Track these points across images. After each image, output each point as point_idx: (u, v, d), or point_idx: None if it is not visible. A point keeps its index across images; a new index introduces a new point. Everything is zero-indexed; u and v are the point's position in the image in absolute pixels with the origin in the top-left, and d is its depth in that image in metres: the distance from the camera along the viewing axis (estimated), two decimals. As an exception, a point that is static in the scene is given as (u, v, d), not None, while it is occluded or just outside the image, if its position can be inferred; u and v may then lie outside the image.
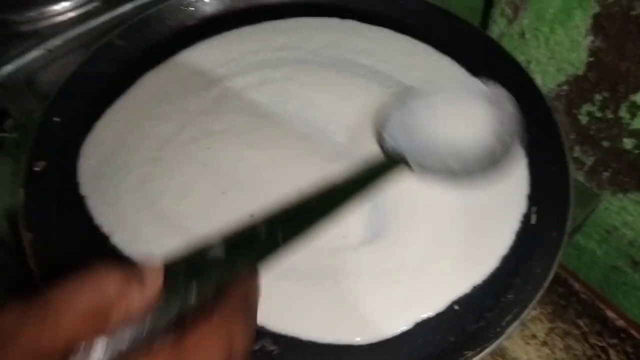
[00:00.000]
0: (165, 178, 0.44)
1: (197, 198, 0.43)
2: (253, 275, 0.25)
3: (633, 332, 0.55)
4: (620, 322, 0.55)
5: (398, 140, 0.42)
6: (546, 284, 0.37)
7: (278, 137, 0.47)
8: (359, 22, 0.56)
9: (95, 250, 0.40)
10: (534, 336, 0.55)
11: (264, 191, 0.43)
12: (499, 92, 0.44)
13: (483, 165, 0.41)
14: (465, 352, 0.34)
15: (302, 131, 0.47)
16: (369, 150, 0.46)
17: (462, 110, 0.44)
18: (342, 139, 0.47)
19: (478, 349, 0.34)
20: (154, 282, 0.21)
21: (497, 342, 0.35)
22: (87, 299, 0.20)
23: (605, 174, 0.56)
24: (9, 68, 0.56)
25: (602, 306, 0.57)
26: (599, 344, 0.54)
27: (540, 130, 0.46)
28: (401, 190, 0.41)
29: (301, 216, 0.32)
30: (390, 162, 0.40)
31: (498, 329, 0.36)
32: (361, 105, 0.49)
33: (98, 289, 0.20)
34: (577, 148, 0.58)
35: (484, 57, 0.52)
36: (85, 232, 0.41)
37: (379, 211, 0.42)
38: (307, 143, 0.47)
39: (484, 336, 0.35)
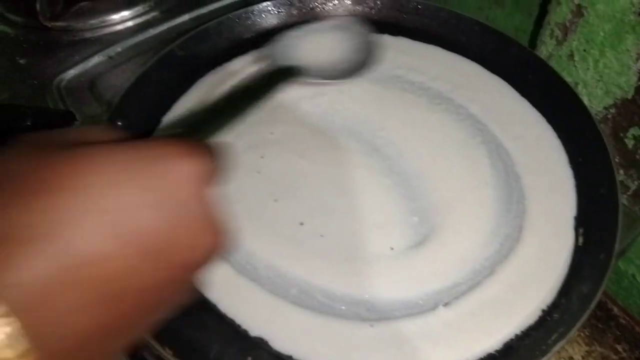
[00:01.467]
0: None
1: (250, 203, 0.44)
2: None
3: (673, 360, 0.54)
4: (660, 350, 0.54)
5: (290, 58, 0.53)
6: (592, 305, 0.37)
7: (329, 148, 0.48)
8: (410, 40, 0.57)
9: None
10: (570, 358, 0.55)
11: (313, 201, 0.45)
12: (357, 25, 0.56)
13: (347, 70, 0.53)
14: (511, 368, 0.35)
15: (351, 144, 0.49)
16: (416, 165, 0.47)
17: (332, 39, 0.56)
18: (390, 152, 0.48)
19: (523, 366, 0.35)
20: None
21: (543, 360, 0.35)
22: None
23: (650, 198, 0.56)
24: (72, 72, 0.59)
25: (641, 332, 0.57)
26: (638, 369, 0.54)
27: (588, 152, 0.47)
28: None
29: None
30: (282, 69, 0.49)
31: (543, 347, 0.36)
32: (410, 121, 0.50)
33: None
34: (621, 172, 0.58)
35: (533, 78, 0.53)
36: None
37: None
38: (356, 156, 0.48)
39: (529, 353, 0.36)
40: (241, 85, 0.50)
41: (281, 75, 0.48)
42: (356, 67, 0.53)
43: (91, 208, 0.19)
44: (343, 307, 0.39)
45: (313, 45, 0.55)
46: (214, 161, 0.24)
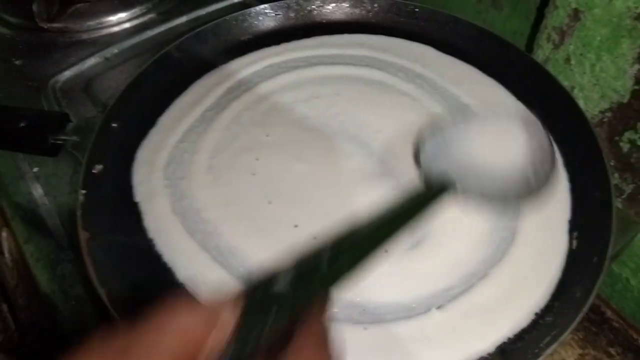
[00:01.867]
0: (215, 186, 0.45)
1: (244, 206, 0.44)
2: (324, 306, 0.25)
3: (667, 363, 0.54)
4: (654, 354, 0.54)
5: (436, 163, 0.43)
6: (586, 309, 0.37)
7: (324, 151, 0.48)
8: (407, 41, 0.57)
9: (142, 249, 0.42)
10: (564, 361, 0.55)
11: (308, 203, 0.45)
12: (536, 121, 0.45)
13: (519, 193, 0.41)
14: (504, 371, 0.35)
15: (347, 147, 0.49)
16: (411, 170, 0.47)
17: (498, 136, 0.45)
18: (386, 156, 0.48)
19: (516, 369, 0.35)
20: (232, 319, 0.21)
21: (535, 363, 0.35)
22: (174, 341, 0.20)
23: (645, 202, 0.56)
24: (68, 74, 0.59)
25: (635, 336, 0.57)
26: (631, 373, 0.54)
27: (584, 156, 0.47)
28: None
29: (358, 245, 0.32)
30: (438, 189, 0.40)
31: (536, 351, 0.36)
32: (406, 124, 0.50)
33: (184, 329, 0.20)
34: (616, 175, 0.58)
35: (530, 81, 0.53)
36: (134, 234, 0.43)
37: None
38: (352, 159, 0.48)
39: (521, 357, 0.36)
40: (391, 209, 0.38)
41: (436, 196, 0.39)
42: (537, 183, 0.42)
43: None
44: (336, 310, 0.39)
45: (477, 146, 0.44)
46: None
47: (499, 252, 0.42)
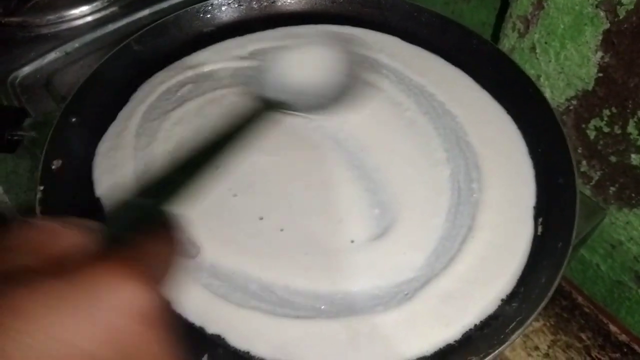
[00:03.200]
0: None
1: (209, 199, 0.44)
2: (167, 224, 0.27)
3: (636, 347, 0.55)
4: (623, 337, 0.55)
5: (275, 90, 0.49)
6: (550, 294, 0.37)
7: (289, 142, 0.48)
8: (372, 31, 0.57)
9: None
10: (536, 348, 0.55)
11: (273, 195, 0.44)
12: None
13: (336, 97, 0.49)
14: (469, 358, 0.35)
15: (313, 138, 0.48)
16: (377, 158, 0.46)
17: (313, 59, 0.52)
18: (352, 146, 0.48)
19: (481, 355, 0.35)
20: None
21: (501, 348, 0.35)
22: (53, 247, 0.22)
23: (612, 189, 0.57)
24: (27, 69, 0.58)
25: (605, 320, 0.57)
26: (602, 357, 0.55)
27: (548, 143, 0.47)
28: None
29: (192, 164, 0.38)
30: (270, 104, 0.47)
31: (502, 336, 0.36)
32: (371, 114, 0.50)
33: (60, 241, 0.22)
34: (584, 162, 0.58)
35: (494, 70, 0.53)
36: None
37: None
38: (317, 150, 0.47)
39: (488, 343, 0.36)
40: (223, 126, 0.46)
41: (262, 111, 0.47)
42: (340, 95, 0.50)
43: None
44: (302, 301, 0.39)
45: (297, 69, 0.52)
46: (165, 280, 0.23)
47: (464, 239, 0.41)
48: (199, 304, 0.38)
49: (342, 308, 0.38)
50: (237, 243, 0.41)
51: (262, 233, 0.42)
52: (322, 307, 0.39)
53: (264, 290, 0.39)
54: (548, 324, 0.57)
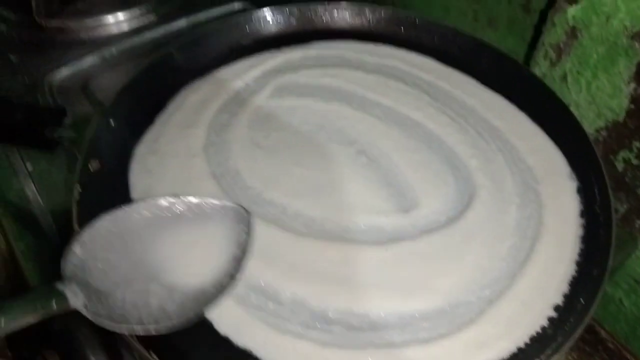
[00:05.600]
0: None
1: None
2: None
3: (661, 386, 0.54)
4: (649, 375, 0.54)
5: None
6: (587, 320, 0.37)
7: (321, 158, 0.48)
8: (407, 51, 0.58)
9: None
10: (559, 381, 0.54)
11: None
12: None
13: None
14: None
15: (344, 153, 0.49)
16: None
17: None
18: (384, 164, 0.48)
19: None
20: None
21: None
22: None
23: (639, 222, 0.56)
24: (64, 71, 0.59)
25: (629, 357, 0.57)
26: (625, 394, 0.54)
27: (583, 170, 0.47)
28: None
29: None
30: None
31: (537, 362, 0.36)
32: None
33: None
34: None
35: (528, 94, 0.54)
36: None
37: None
38: (345, 167, 0.48)
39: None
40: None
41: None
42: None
43: None
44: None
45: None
46: None
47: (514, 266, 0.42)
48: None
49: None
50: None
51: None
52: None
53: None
54: (570, 358, 0.56)
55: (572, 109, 0.59)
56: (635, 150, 0.54)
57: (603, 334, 0.58)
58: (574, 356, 0.56)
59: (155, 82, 0.52)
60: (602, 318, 0.62)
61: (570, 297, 0.40)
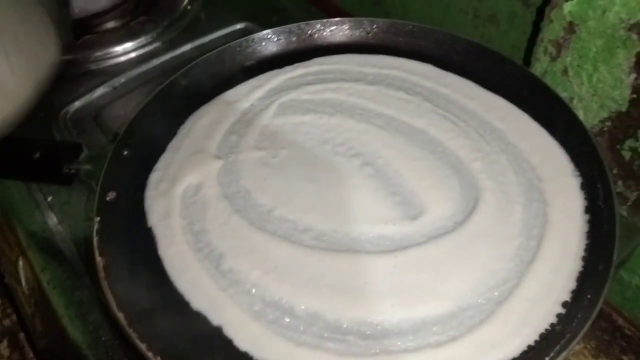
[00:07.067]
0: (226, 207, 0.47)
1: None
2: None
3: (680, 369, 0.54)
4: (668, 360, 0.54)
5: None
6: (594, 315, 0.37)
7: (328, 172, 0.50)
8: (406, 60, 0.59)
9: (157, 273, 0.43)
10: (577, 371, 0.55)
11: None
12: None
13: None
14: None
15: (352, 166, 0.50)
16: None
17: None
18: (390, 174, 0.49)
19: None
20: None
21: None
22: None
23: (649, 209, 0.57)
24: (78, 104, 0.61)
25: (648, 342, 0.57)
26: (644, 381, 0.54)
27: (586, 166, 0.48)
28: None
29: None
30: None
31: (546, 359, 0.37)
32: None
33: None
34: (620, 183, 0.58)
35: (528, 94, 0.55)
36: (149, 259, 0.44)
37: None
38: (351, 179, 0.49)
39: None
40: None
41: None
42: None
43: None
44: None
45: None
46: None
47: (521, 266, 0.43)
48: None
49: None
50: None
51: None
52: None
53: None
54: (589, 346, 0.57)
55: (575, 102, 0.59)
56: (640, 138, 0.54)
57: (620, 321, 0.59)
58: (592, 345, 0.57)
59: (165, 109, 0.54)
60: (620, 305, 0.62)
61: (578, 293, 0.40)
